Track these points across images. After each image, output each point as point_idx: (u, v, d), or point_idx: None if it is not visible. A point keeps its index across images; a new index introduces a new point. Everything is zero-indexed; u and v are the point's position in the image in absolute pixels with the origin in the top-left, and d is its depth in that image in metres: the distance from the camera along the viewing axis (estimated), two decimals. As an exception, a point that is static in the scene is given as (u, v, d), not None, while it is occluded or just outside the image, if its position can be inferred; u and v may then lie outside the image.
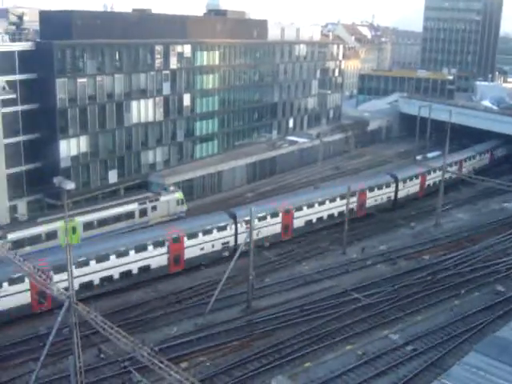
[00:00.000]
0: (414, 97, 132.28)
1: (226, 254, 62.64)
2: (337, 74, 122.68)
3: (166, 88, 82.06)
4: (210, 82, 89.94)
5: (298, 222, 69.61)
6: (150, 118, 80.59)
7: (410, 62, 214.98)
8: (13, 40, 72.85)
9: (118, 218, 66.43)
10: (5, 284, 47.96)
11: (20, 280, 48.09)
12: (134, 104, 77.90)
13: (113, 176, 76.70)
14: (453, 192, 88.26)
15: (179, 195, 73.90)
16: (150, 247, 56.84)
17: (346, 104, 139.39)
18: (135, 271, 56.13)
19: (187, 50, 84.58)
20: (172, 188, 74.86)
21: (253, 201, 76.61)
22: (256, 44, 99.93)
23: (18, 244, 57.12)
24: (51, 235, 60.04)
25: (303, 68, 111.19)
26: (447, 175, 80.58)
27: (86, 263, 52.69)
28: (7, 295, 48.25)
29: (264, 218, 65.61)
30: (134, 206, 68.48)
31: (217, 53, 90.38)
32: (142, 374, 38.20)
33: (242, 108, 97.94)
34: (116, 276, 55.06)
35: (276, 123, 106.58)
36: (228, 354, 45.28)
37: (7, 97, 63.53)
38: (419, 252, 66.62)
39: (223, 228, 62.50)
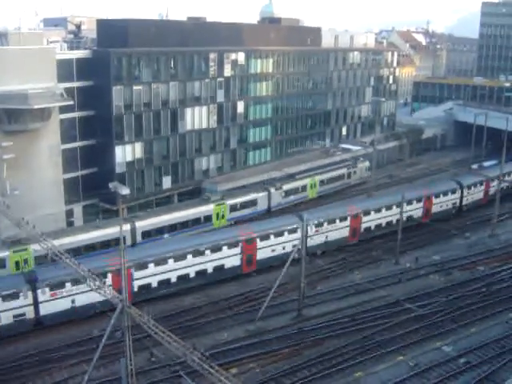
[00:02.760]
0: (469, 104, 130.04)
1: (453, 211, 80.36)
2: (391, 81, 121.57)
3: (220, 95, 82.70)
4: (263, 89, 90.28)
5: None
6: (204, 125, 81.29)
7: (466, 69, 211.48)
8: (71, 48, 74.70)
9: (336, 178, 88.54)
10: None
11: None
12: (189, 111, 78.72)
13: (167, 182, 77.63)
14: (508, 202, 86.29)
15: (367, 164, 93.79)
16: (413, 202, 75.22)
17: (400, 112, 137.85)
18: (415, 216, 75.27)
19: (241, 57, 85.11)
20: (361, 158, 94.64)
21: (309, 207, 76.47)
22: (310, 51, 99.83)
23: (287, 193, 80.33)
24: (303, 188, 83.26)
25: (357, 75, 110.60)
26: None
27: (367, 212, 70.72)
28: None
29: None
30: (344, 171, 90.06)
31: (270, 60, 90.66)
32: (192, 379, 38.46)
33: (296, 115, 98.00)
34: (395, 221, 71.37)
35: (329, 131, 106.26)
36: (278, 362, 45.12)
37: (65, 103, 64.82)
38: (474, 263, 65.30)
39: (454, 191, 79.98)
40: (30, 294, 49.01)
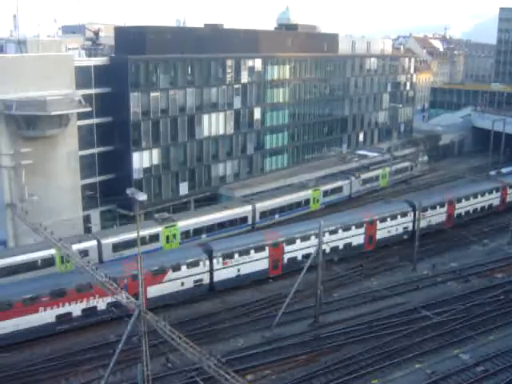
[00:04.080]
0: (487, 110, 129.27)
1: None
2: (408, 87, 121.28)
3: (237, 102, 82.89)
4: (280, 95, 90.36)
5: None
6: (221, 132, 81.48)
7: (484, 75, 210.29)
8: (89, 55, 75.14)
9: (402, 170, 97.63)
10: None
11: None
12: (206, 117, 78.92)
13: (184, 188, 77.80)
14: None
15: (426, 158, 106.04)
16: (493, 192, 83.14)
17: (417, 118, 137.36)
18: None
19: (258, 64, 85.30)
20: (421, 154, 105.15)
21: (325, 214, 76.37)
22: (327, 58, 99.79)
23: (364, 182, 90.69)
24: (376, 178, 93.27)
25: (374, 81, 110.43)
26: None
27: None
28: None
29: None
30: (408, 164, 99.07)
31: (287, 67, 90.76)
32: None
33: (312, 122, 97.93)
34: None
35: (346, 137, 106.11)
36: (294, 368, 44.98)
37: (83, 110, 65.17)
38: (492, 270, 64.80)
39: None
40: (207, 262, 57.31)
